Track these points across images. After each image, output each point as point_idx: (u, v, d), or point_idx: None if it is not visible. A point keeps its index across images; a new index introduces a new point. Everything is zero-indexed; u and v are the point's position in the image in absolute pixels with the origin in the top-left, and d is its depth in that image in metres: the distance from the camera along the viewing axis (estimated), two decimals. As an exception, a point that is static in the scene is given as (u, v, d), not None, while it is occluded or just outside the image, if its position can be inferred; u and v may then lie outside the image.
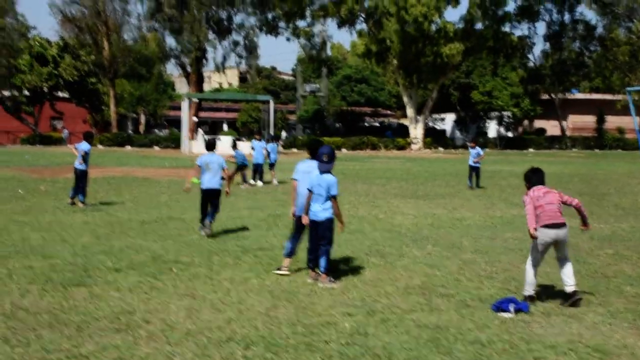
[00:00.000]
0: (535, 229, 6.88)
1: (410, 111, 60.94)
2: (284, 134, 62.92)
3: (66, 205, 14.73)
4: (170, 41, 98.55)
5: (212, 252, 9.49)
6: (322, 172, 7.81)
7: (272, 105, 50.59)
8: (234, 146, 21.98)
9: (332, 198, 7.74)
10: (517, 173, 28.02)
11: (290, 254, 8.23)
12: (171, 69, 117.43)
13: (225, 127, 77.45)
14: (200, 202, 11.24)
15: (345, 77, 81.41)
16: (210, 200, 11.07)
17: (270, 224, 12.46)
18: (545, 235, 6.91)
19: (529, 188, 7.19)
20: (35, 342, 5.46)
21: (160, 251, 9.47)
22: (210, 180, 11.07)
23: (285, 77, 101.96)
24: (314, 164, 8.06)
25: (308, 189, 7.85)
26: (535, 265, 7.05)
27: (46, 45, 61.89)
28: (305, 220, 7.86)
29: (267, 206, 15.24)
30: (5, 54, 59.30)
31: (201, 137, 52.16)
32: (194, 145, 50.42)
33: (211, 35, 59.45)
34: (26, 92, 62.47)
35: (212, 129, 74.12)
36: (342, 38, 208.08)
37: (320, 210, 7.77)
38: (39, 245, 9.84)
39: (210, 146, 11.50)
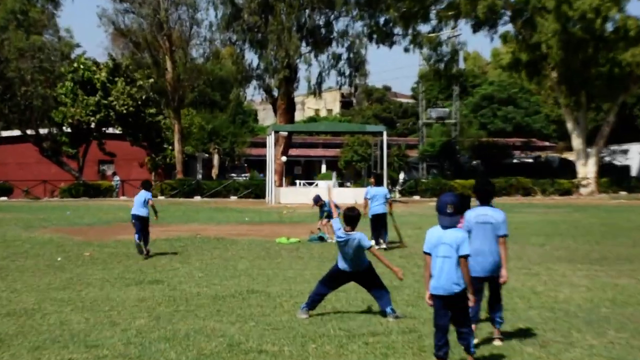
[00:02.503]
0: None
1: (577, 142, 59.68)
2: (401, 175, 62.87)
3: (116, 277, 15.13)
4: (251, 57, 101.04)
5: (306, 337, 9.50)
6: (445, 227, 7.88)
7: (385, 137, 50.73)
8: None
9: (463, 259, 7.80)
10: None
11: (476, 319, 8.82)
12: (252, 94, 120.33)
13: (323, 168, 78.32)
14: None
15: (485, 98, 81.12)
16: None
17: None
18: None
19: None
20: None
21: (239, 337, 9.56)
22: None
23: (403, 100, 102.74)
24: (485, 210, 8.87)
25: (424, 251, 7.98)
26: None
27: (93, 67, 63.46)
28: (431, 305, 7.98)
29: (380, 274, 15.12)
30: (43, 81, 60.95)
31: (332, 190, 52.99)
32: (283, 193, 50.79)
33: (304, 48, 60.20)
34: (68, 129, 63.83)
35: (306, 170, 75.10)
36: (479, 45, 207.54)
37: (455, 280, 7.80)
38: (82, 330, 10.11)
39: (353, 221, 11.07)
